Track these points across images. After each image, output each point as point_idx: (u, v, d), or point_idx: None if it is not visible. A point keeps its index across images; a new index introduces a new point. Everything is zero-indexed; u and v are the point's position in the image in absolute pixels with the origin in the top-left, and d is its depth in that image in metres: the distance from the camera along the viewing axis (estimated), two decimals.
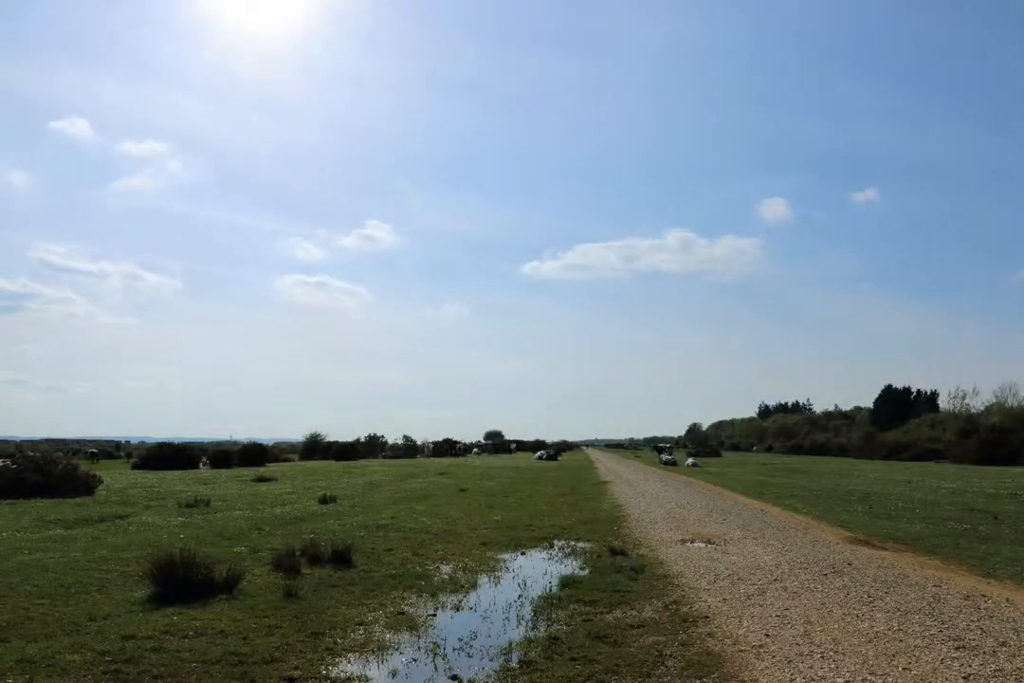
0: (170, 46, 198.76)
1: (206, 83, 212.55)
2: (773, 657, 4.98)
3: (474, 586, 7.47)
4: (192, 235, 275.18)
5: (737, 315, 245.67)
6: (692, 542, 10.42)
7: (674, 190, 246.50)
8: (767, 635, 5.51)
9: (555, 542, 10.37)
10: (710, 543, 10.33)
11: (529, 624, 6.02)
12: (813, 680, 4.54)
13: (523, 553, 9.56)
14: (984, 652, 5.08)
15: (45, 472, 16.85)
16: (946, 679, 4.55)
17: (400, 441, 68.84)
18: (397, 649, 5.33)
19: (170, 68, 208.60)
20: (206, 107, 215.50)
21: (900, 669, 4.72)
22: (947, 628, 5.71)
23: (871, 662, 4.85)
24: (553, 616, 6.20)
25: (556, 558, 9.17)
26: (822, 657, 4.96)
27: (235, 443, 50.00)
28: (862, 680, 4.52)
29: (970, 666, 4.78)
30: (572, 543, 10.25)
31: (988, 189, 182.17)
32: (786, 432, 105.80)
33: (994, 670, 4.71)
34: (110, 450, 70.31)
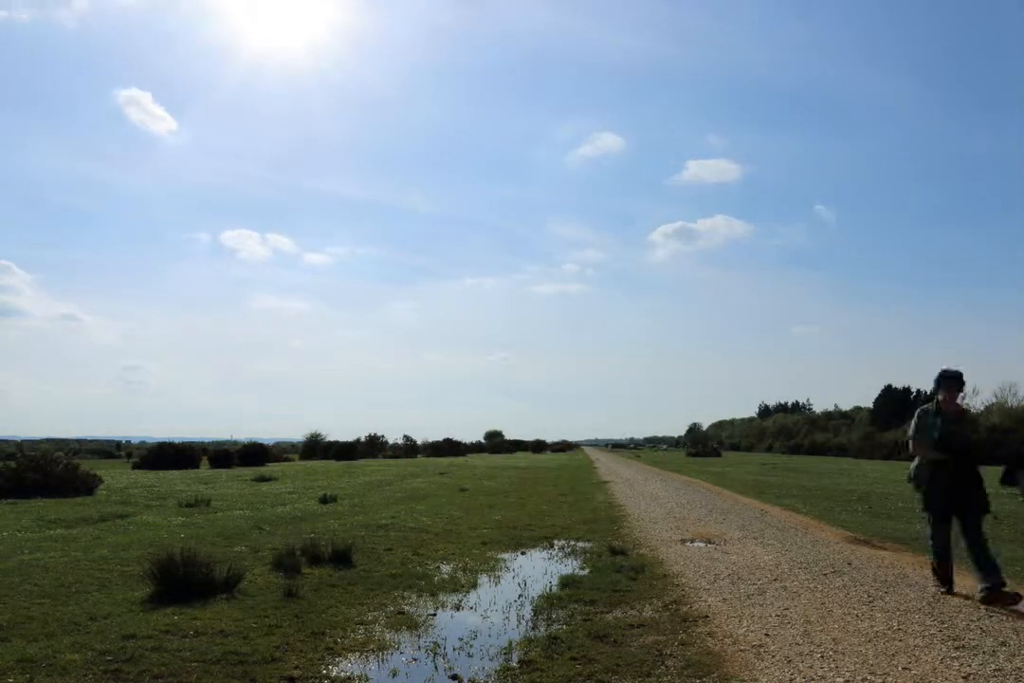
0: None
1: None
2: (773, 657, 4.98)
3: (474, 586, 7.47)
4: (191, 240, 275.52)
5: (738, 315, 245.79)
6: (692, 542, 10.43)
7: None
8: (767, 635, 5.52)
9: (555, 542, 10.37)
10: (710, 543, 10.34)
11: (529, 624, 6.02)
12: (813, 680, 4.54)
13: (523, 553, 9.56)
14: (984, 652, 5.08)
15: (45, 472, 16.84)
16: (946, 679, 4.55)
17: (400, 441, 68.79)
18: (397, 648, 5.33)
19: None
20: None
21: (900, 669, 4.72)
22: (947, 628, 5.71)
23: (871, 662, 4.86)
24: (553, 616, 6.20)
25: (556, 558, 9.17)
26: (822, 657, 4.96)
27: (235, 443, 49.99)
28: (862, 680, 4.52)
29: (970, 666, 4.78)
30: (572, 543, 10.25)
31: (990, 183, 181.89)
32: (786, 432, 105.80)
33: (994, 670, 4.71)
34: (110, 450, 70.25)
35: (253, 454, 37.95)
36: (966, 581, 7.53)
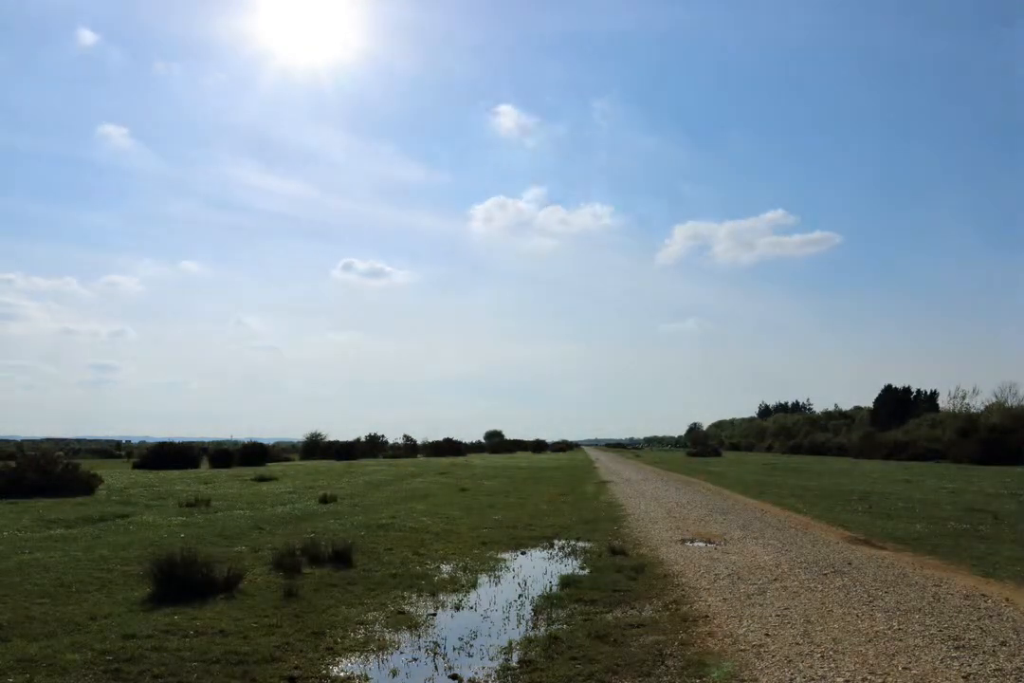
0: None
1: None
2: (773, 656, 4.98)
3: (474, 585, 7.47)
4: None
5: (738, 315, 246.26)
6: (692, 542, 10.43)
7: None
8: (767, 634, 5.52)
9: (555, 542, 10.37)
10: (710, 543, 10.33)
11: (529, 623, 6.02)
12: (813, 680, 4.54)
13: (523, 553, 9.56)
14: (984, 652, 5.08)
15: (46, 471, 16.85)
16: (946, 678, 4.55)
17: (400, 441, 68.74)
18: (397, 648, 5.33)
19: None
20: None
21: (900, 668, 4.72)
22: (947, 628, 5.71)
23: (871, 661, 4.85)
24: (553, 615, 6.20)
25: (556, 558, 9.17)
26: (822, 657, 4.96)
27: (235, 443, 50.01)
28: (862, 680, 4.52)
29: (970, 665, 4.78)
30: (572, 542, 10.25)
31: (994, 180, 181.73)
32: (786, 432, 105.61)
33: (994, 669, 4.71)
34: (110, 450, 70.24)
35: (253, 454, 37.94)
36: (967, 581, 7.53)
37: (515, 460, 50.13)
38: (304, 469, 30.87)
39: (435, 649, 5.33)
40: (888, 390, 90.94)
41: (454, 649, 5.36)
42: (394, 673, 4.86)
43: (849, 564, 8.51)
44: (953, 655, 5.01)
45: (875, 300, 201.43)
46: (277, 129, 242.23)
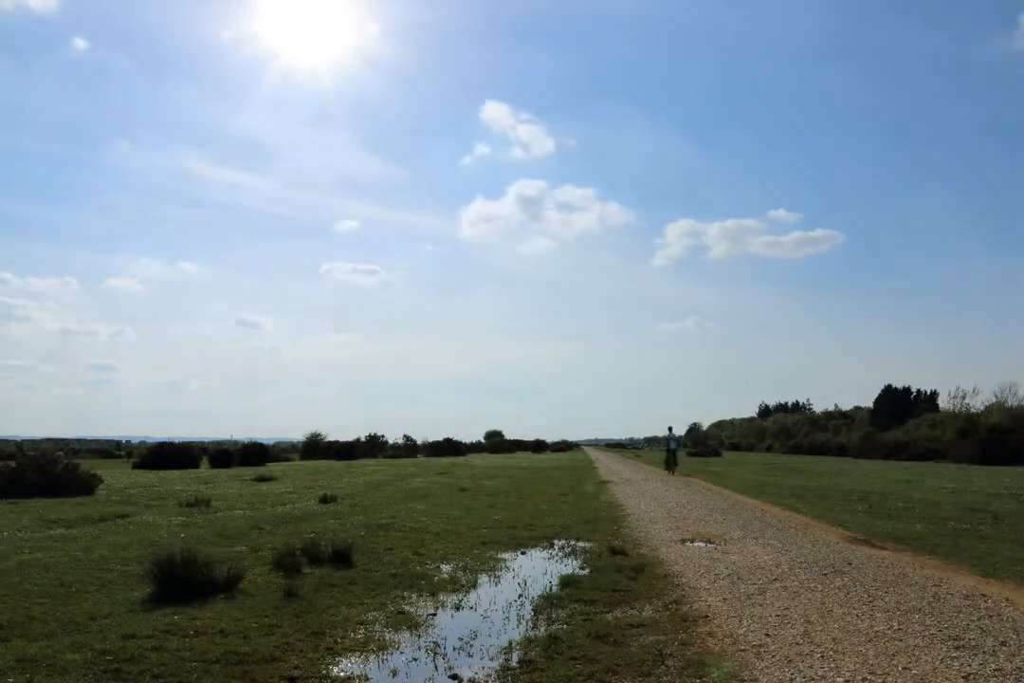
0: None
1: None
2: (773, 656, 4.98)
3: (474, 585, 7.47)
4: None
5: (738, 314, 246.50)
6: (692, 542, 10.43)
7: None
8: (767, 634, 5.51)
9: (555, 542, 10.38)
10: (710, 543, 10.33)
11: (529, 623, 6.02)
12: (813, 680, 4.54)
13: (523, 553, 9.56)
14: (984, 651, 5.08)
15: (46, 471, 16.85)
16: (946, 679, 4.55)
17: (400, 441, 68.73)
18: (397, 648, 5.33)
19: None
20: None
21: (900, 669, 4.72)
22: (947, 627, 5.71)
23: (871, 661, 4.85)
24: (553, 615, 6.20)
25: (556, 558, 9.17)
26: (822, 657, 4.96)
27: (235, 443, 50.03)
28: (862, 680, 4.52)
29: (970, 665, 4.78)
30: (572, 543, 10.25)
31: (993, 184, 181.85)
32: (786, 432, 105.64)
33: (994, 669, 4.71)
34: (110, 450, 70.26)
35: (253, 454, 37.93)
36: (967, 581, 7.53)
37: (515, 460, 50.11)
38: (304, 469, 30.87)
39: (435, 649, 5.33)
40: (888, 390, 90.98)
41: (454, 649, 5.37)
42: (394, 673, 4.86)
43: (849, 564, 8.51)
44: (953, 655, 5.01)
45: (875, 300, 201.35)
46: (277, 130, 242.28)
